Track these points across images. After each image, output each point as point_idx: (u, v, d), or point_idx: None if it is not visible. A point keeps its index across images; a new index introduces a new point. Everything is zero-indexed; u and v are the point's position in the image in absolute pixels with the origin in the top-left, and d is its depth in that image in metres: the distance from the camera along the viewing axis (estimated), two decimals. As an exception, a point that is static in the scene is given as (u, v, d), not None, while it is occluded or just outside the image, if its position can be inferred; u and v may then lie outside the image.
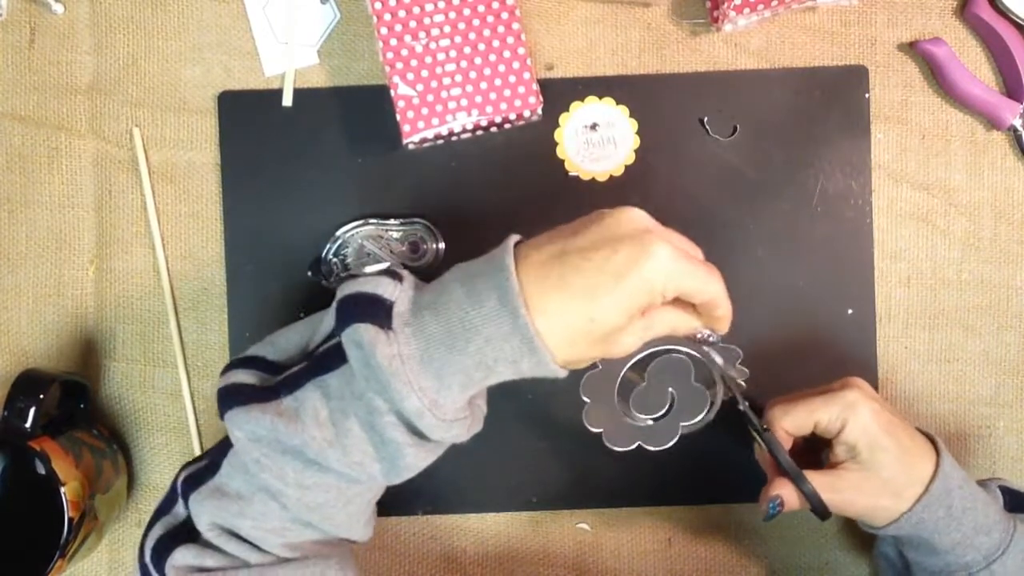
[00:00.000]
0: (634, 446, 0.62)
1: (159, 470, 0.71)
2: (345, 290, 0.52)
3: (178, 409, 0.71)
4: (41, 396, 0.63)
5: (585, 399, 0.61)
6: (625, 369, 0.60)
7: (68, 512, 0.60)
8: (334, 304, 0.52)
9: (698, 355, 0.60)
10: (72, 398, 0.69)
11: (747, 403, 0.61)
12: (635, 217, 0.50)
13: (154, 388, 0.71)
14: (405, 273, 0.53)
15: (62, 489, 0.61)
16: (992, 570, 0.58)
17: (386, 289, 0.51)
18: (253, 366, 0.55)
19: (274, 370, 0.54)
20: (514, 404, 0.69)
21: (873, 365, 0.70)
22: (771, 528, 0.71)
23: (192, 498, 0.53)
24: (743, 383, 0.62)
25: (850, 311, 0.70)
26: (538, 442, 0.70)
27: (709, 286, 0.51)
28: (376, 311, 0.50)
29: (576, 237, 0.50)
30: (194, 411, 0.70)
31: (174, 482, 0.56)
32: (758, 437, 0.60)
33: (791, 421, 0.59)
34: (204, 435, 0.71)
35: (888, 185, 0.70)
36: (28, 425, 0.62)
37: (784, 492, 0.58)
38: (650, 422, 0.61)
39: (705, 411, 0.62)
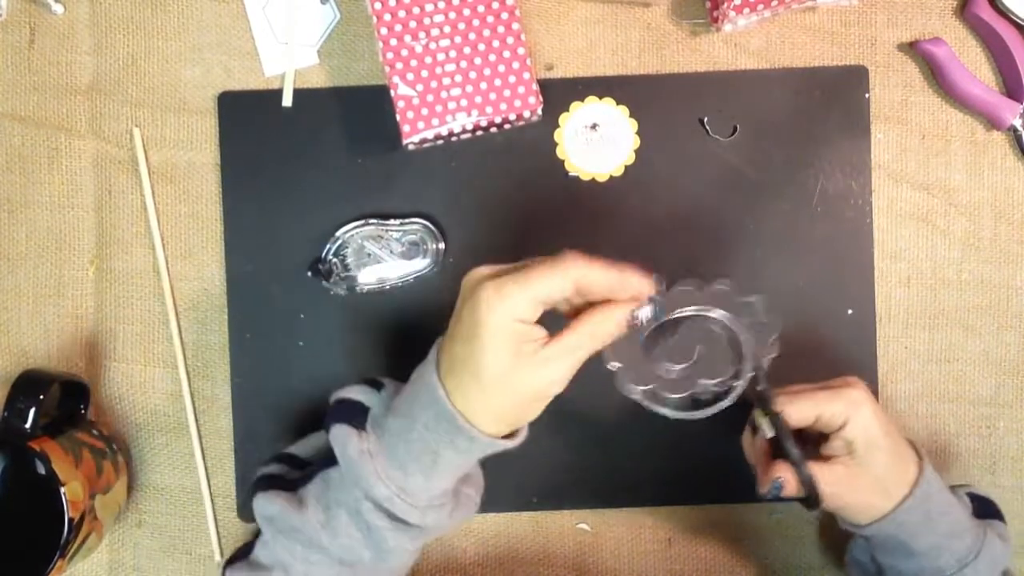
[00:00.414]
0: (648, 387, 0.60)
1: (159, 470, 0.71)
2: (335, 396, 0.61)
3: (178, 409, 0.71)
4: (41, 396, 0.63)
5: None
6: (659, 323, 0.59)
7: (68, 512, 0.60)
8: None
9: (732, 326, 0.60)
10: (72, 398, 0.69)
11: (767, 385, 0.60)
12: (469, 278, 0.54)
13: (154, 388, 0.71)
14: (387, 381, 0.61)
15: (62, 489, 0.61)
16: (965, 574, 0.60)
17: (365, 396, 0.60)
18: (285, 462, 0.64)
19: (302, 466, 0.63)
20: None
21: (873, 365, 0.70)
22: (771, 528, 0.71)
23: (228, 570, 0.61)
24: (765, 362, 0.61)
25: (850, 311, 0.70)
26: (538, 442, 0.70)
27: (563, 276, 0.51)
28: (355, 414, 0.58)
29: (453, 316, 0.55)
30: (194, 412, 0.70)
31: None
32: (766, 419, 0.60)
33: (795, 412, 0.60)
34: (204, 436, 0.71)
35: (888, 185, 0.70)
36: (28, 425, 0.62)
37: (786, 475, 0.59)
38: (671, 374, 0.60)
39: (726, 376, 0.60)
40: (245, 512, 0.70)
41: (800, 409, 0.59)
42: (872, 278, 0.70)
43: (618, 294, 0.53)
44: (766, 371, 0.60)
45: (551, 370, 0.52)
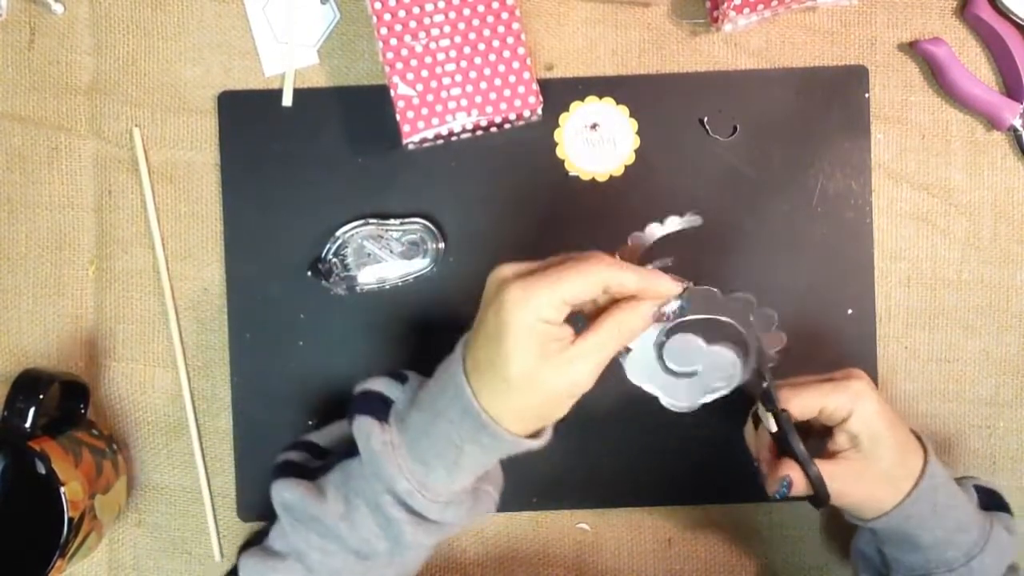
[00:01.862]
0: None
1: (159, 470, 0.71)
2: (359, 388, 0.61)
3: (178, 409, 0.71)
4: (41, 396, 0.63)
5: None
6: (683, 319, 0.61)
7: (68, 512, 0.60)
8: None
9: (740, 326, 0.63)
10: (72, 398, 0.69)
11: (772, 381, 0.61)
12: (494, 278, 0.54)
13: (154, 388, 0.71)
14: (411, 374, 0.61)
15: (62, 489, 0.61)
16: (971, 567, 0.59)
17: (389, 389, 0.60)
18: (306, 449, 0.64)
19: (323, 455, 0.64)
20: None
21: (873, 365, 0.70)
22: (771, 528, 0.71)
23: (242, 557, 0.60)
24: (776, 354, 0.63)
25: (850, 311, 0.70)
26: (538, 442, 0.70)
27: (592, 278, 0.52)
28: (378, 407, 0.58)
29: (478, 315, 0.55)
30: (194, 411, 0.70)
31: None
32: (771, 416, 0.60)
33: (799, 404, 0.59)
34: (204, 435, 0.71)
35: (888, 185, 0.70)
36: (28, 425, 0.62)
37: (793, 473, 0.58)
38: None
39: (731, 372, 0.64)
40: (245, 512, 0.70)
41: (803, 402, 0.59)
42: (872, 278, 0.70)
43: (646, 294, 0.54)
44: (771, 367, 0.62)
45: (576, 369, 0.52)
